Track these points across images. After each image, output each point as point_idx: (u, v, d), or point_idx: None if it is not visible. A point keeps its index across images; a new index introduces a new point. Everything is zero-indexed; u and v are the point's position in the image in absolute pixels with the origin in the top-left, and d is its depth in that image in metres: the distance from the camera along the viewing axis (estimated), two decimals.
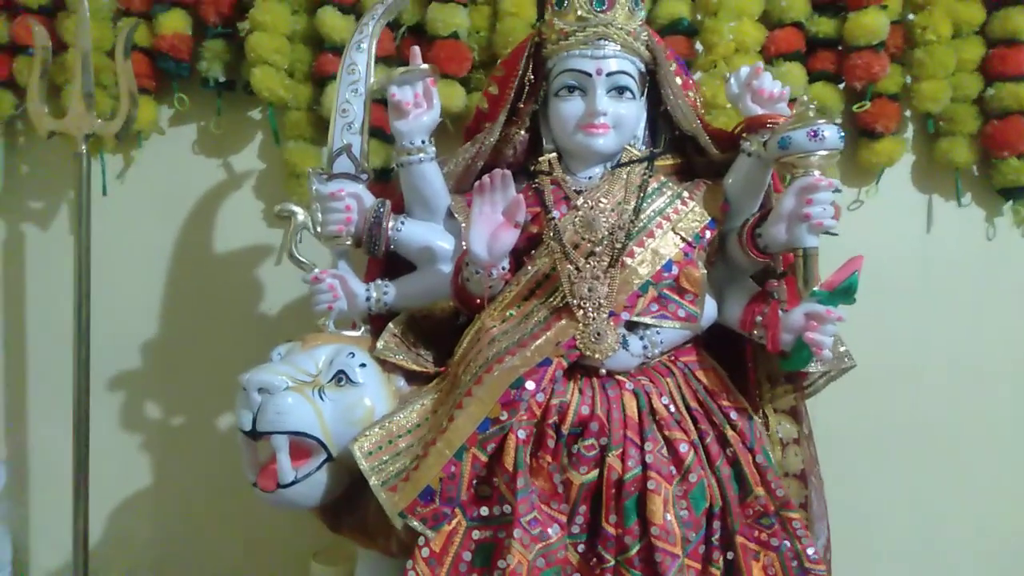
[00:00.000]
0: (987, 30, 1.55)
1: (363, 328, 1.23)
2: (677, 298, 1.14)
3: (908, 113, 1.61)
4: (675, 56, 1.28)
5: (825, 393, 1.50)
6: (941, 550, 1.65)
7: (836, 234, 1.08)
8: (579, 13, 1.14)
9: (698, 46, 1.55)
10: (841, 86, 1.56)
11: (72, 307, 1.39)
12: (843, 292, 1.06)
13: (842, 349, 1.24)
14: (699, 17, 1.55)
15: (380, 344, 1.16)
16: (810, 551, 1.12)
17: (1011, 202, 1.61)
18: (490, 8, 1.52)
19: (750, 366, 1.22)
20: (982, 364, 1.65)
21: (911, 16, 1.56)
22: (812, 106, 1.07)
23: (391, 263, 1.27)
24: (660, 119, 1.26)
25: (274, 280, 1.59)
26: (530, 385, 1.04)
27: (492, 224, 1.08)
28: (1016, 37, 1.51)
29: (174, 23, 1.49)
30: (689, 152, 1.26)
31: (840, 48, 1.54)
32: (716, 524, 1.08)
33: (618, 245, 1.11)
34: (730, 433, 1.12)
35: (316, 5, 1.49)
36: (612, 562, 1.04)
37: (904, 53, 1.56)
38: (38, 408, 1.61)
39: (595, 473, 1.05)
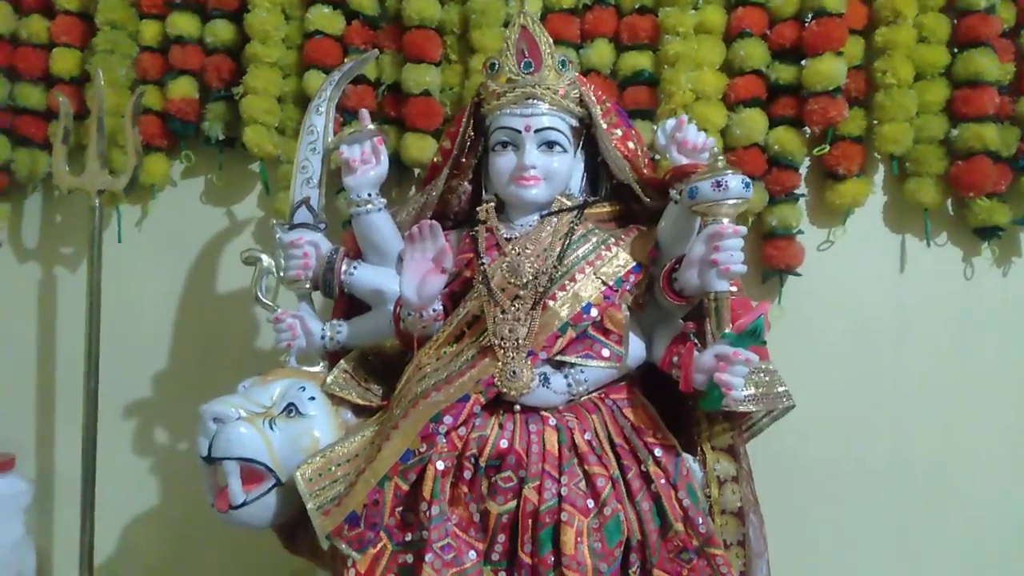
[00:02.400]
0: (952, 72, 1.56)
1: (321, 364, 1.35)
2: (602, 338, 1.20)
3: (878, 155, 1.63)
4: (616, 108, 1.35)
5: (802, 433, 1.53)
6: None
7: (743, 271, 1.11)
8: (509, 76, 1.24)
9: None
10: (804, 130, 1.59)
11: (82, 341, 1.56)
12: (750, 334, 1.09)
13: (780, 389, 1.26)
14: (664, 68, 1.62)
15: (329, 379, 1.27)
16: None
17: (987, 242, 1.60)
18: (461, 66, 1.64)
19: (690, 404, 1.26)
20: (963, 404, 1.62)
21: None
22: (720, 157, 1.13)
23: (358, 302, 1.38)
24: (600, 168, 1.34)
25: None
26: (448, 419, 1.12)
27: (422, 270, 1.17)
28: (979, 78, 1.51)
29: (183, 89, 1.67)
30: (627, 199, 1.33)
31: (800, 94, 1.57)
32: (634, 557, 1.12)
33: (540, 289, 1.18)
34: (653, 469, 1.16)
35: (304, 69, 1.64)
36: None
37: (867, 97, 1.58)
38: (62, 432, 1.80)
39: (513, 504, 1.11)
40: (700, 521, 1.15)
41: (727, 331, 1.11)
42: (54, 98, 1.65)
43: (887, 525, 1.63)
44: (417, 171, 1.67)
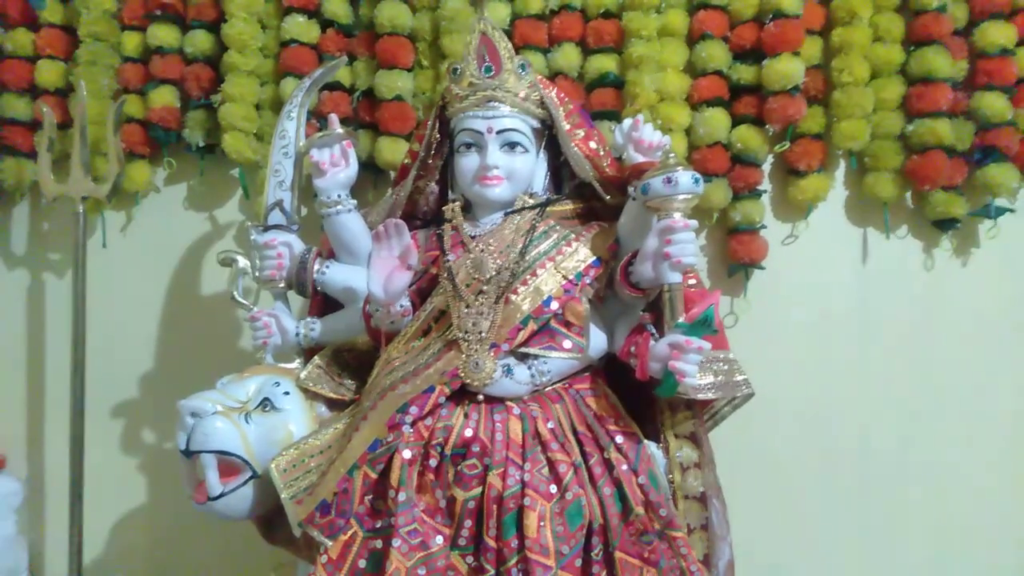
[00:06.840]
0: (906, 69, 1.60)
1: (297, 360, 1.39)
2: (564, 330, 1.24)
3: (838, 151, 1.67)
4: (579, 109, 1.39)
5: (769, 420, 1.57)
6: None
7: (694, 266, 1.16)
8: (471, 80, 1.29)
9: None
10: (766, 128, 1.64)
11: (69, 344, 1.61)
12: (702, 323, 1.14)
13: (739, 378, 1.31)
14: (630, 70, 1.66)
15: (303, 374, 1.32)
16: (693, 568, 1.19)
17: (946, 234, 1.64)
18: (433, 72, 1.69)
19: (653, 393, 1.31)
20: (924, 392, 1.67)
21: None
22: (672, 155, 1.17)
23: (332, 300, 1.42)
24: (563, 168, 1.39)
25: None
26: (413, 409, 1.16)
27: (388, 267, 1.21)
28: (932, 76, 1.57)
29: (164, 98, 1.72)
30: (589, 197, 1.37)
31: (760, 93, 1.62)
32: (596, 540, 1.16)
33: (503, 284, 1.23)
34: (615, 456, 1.20)
35: (280, 76, 1.69)
36: (493, 572, 1.13)
37: (825, 95, 1.63)
38: (51, 432, 1.85)
39: (478, 490, 1.15)
40: (661, 505, 1.19)
41: (680, 321, 1.15)
42: (39, 108, 1.70)
43: (850, 508, 1.67)
44: (392, 173, 1.72)
